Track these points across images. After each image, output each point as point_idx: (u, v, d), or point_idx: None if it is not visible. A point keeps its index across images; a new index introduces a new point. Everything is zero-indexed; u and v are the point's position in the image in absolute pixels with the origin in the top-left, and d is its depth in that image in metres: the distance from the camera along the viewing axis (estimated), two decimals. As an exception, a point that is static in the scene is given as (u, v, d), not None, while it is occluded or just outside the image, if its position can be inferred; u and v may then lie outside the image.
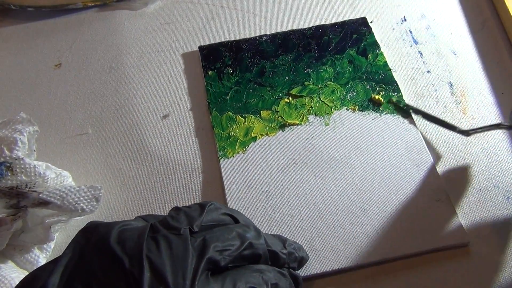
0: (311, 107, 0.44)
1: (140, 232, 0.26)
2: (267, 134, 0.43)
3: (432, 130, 0.43)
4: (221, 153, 0.42)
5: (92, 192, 0.37)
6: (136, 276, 0.24)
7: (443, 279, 0.36)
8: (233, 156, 0.42)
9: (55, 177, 0.38)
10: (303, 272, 0.35)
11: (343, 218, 0.38)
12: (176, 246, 0.26)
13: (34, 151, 0.40)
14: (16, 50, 0.51)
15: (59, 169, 0.40)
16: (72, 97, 0.47)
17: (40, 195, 0.35)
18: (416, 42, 0.49)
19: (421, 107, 0.44)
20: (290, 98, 0.45)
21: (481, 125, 0.40)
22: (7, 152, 0.36)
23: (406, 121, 0.43)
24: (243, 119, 0.44)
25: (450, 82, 0.46)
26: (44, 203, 0.35)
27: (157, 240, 0.26)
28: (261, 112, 0.44)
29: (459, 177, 0.40)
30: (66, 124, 0.45)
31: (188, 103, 0.46)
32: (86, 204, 0.37)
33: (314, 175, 0.40)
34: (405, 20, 0.51)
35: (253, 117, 0.44)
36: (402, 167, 0.40)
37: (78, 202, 0.36)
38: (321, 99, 0.45)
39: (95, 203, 0.37)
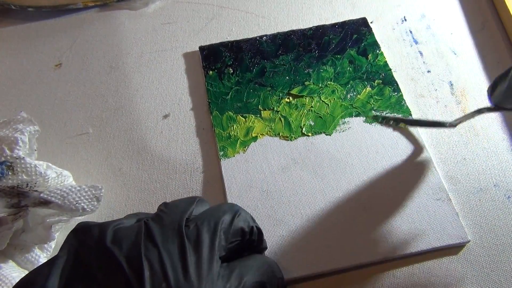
0: (312, 107, 0.44)
1: (136, 231, 0.26)
2: (267, 134, 0.43)
3: (433, 130, 0.43)
4: (222, 152, 0.42)
5: (93, 191, 0.37)
6: (137, 276, 0.24)
7: (443, 278, 0.36)
8: (234, 156, 0.42)
9: (55, 176, 0.38)
10: (304, 271, 0.35)
11: (344, 218, 0.38)
12: (172, 241, 0.26)
13: (35, 150, 0.40)
14: (16, 50, 0.51)
15: (60, 169, 0.40)
16: (73, 97, 0.47)
17: (41, 195, 0.35)
18: (416, 42, 0.49)
19: (421, 106, 0.44)
20: (290, 98, 0.45)
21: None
22: (8, 152, 0.36)
23: None
24: (243, 119, 0.44)
25: (450, 81, 0.46)
26: (45, 203, 0.35)
27: (153, 237, 0.26)
28: (262, 112, 0.44)
29: (460, 177, 0.40)
30: (67, 124, 0.45)
31: (188, 103, 0.46)
32: (87, 203, 0.37)
33: (315, 174, 0.40)
34: (405, 20, 0.51)
35: (253, 116, 0.44)
36: (402, 167, 0.40)
37: (79, 201, 0.36)
38: (322, 99, 0.45)
39: (95, 203, 0.37)
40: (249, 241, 0.30)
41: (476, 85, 0.46)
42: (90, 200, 0.37)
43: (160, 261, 0.25)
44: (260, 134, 0.43)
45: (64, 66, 0.50)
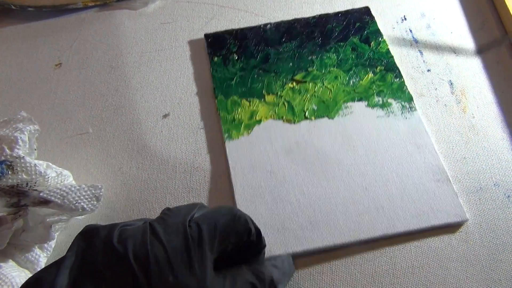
0: (315, 92, 0.45)
1: (142, 231, 0.27)
2: (271, 117, 0.43)
3: (433, 129, 0.43)
4: (226, 135, 0.43)
5: (93, 191, 0.37)
6: (143, 270, 0.25)
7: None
8: (238, 138, 0.42)
9: (55, 176, 0.38)
10: (305, 246, 0.36)
11: (345, 197, 0.39)
12: (176, 238, 0.27)
13: (35, 150, 0.40)
14: (16, 50, 0.51)
15: (60, 168, 0.40)
16: (73, 97, 0.47)
17: (41, 194, 0.35)
18: (416, 41, 0.49)
19: (421, 105, 0.44)
20: (294, 83, 0.45)
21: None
22: (8, 151, 0.36)
23: (407, 105, 0.43)
24: (248, 103, 0.44)
25: (450, 81, 0.46)
26: (44, 202, 0.35)
27: (158, 235, 0.27)
28: (266, 96, 0.45)
29: (459, 176, 0.40)
30: (67, 123, 0.45)
31: (188, 102, 0.46)
32: (87, 203, 0.37)
33: (317, 156, 0.41)
34: (405, 19, 0.51)
35: (258, 101, 0.44)
36: (404, 149, 0.41)
37: (79, 201, 0.36)
38: (325, 84, 0.45)
39: (95, 202, 0.37)
40: (247, 242, 0.31)
41: (476, 84, 0.46)
42: (90, 199, 0.37)
43: (166, 256, 0.26)
44: (264, 118, 0.43)
45: (64, 66, 0.50)
